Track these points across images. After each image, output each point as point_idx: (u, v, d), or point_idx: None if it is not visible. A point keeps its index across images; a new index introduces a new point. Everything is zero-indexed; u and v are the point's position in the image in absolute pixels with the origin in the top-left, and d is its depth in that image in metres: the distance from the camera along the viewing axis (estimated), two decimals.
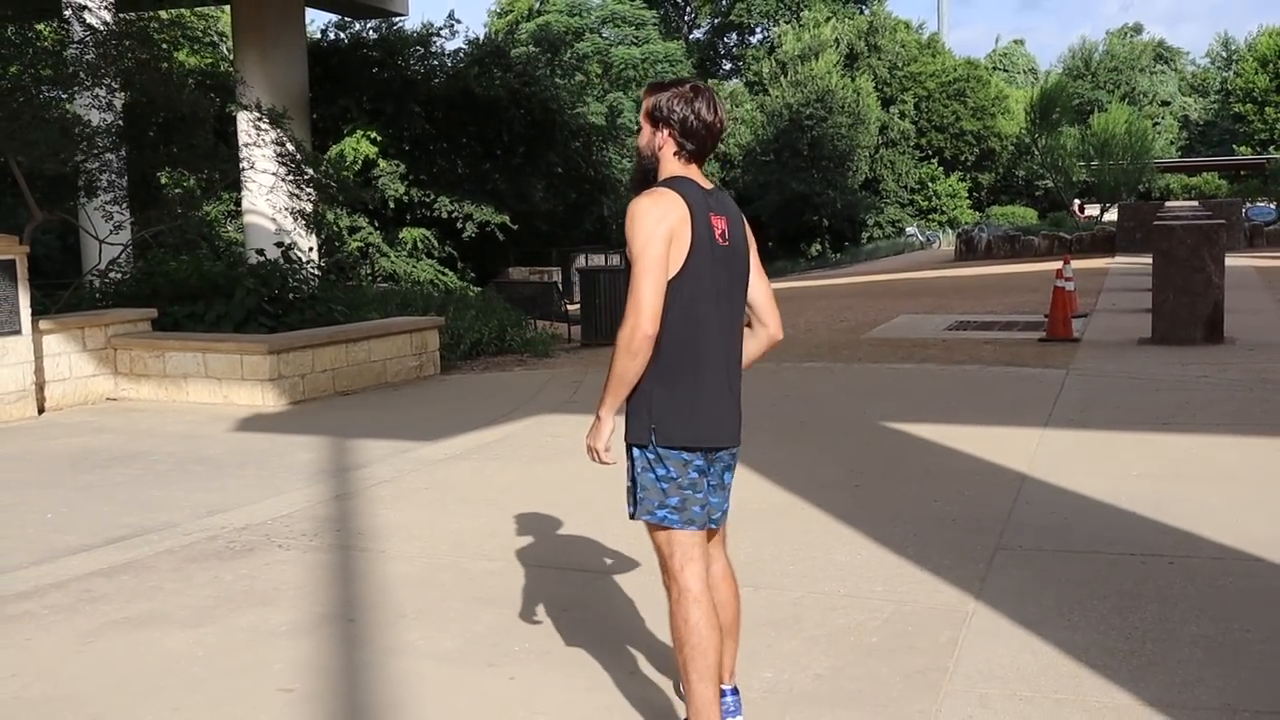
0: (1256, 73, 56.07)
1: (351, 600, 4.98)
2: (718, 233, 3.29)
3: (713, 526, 3.46)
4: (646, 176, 3.36)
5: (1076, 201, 45.79)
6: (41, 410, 9.99)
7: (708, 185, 3.35)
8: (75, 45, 13.26)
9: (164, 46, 14.34)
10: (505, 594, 4.97)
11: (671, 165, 3.34)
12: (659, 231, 3.17)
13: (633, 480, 3.35)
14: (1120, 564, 5.07)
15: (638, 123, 3.45)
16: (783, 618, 4.56)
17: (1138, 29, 78.72)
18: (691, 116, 3.29)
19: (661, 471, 3.29)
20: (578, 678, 4.06)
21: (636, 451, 3.33)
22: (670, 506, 3.29)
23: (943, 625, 4.43)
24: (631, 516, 3.37)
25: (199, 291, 12.01)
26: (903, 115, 52.49)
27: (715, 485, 3.43)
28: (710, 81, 55.22)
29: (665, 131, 3.32)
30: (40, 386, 10.01)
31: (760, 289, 3.49)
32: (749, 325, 3.49)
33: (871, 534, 5.64)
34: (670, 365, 3.24)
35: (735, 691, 3.56)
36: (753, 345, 3.50)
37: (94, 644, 4.54)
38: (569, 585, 5.08)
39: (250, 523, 6.27)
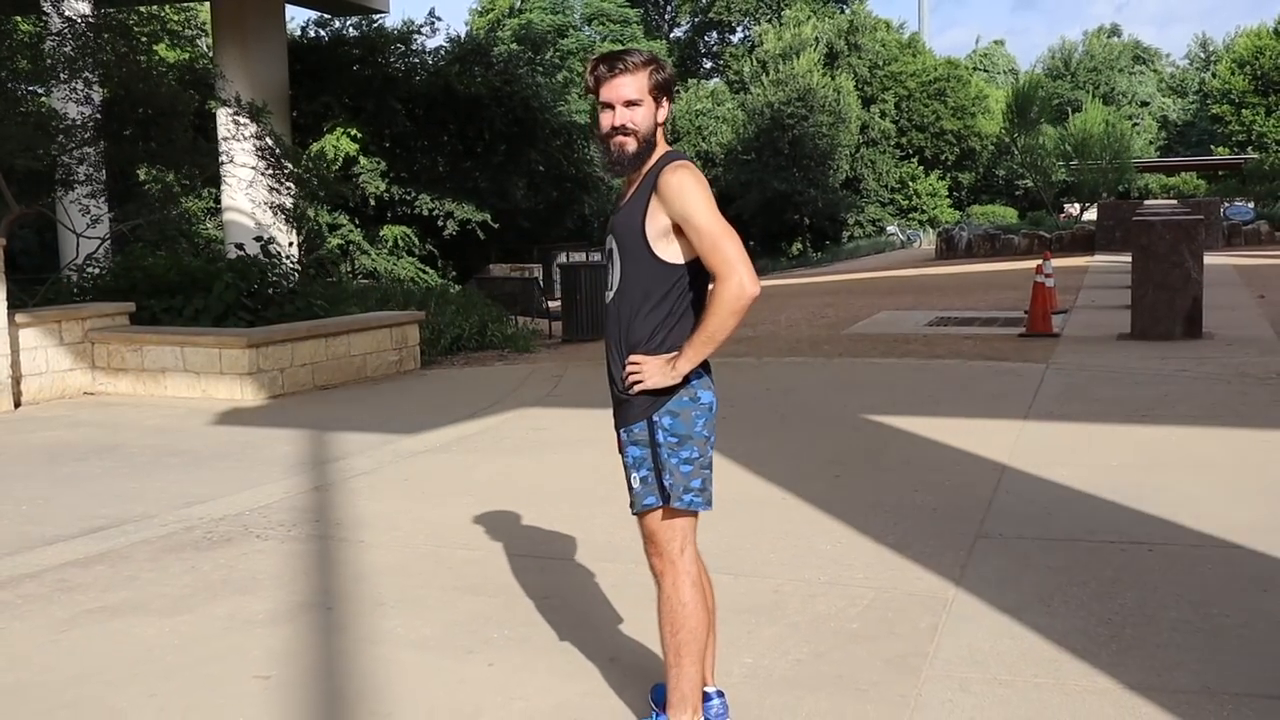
0: (1234, 74, 56.28)
1: (330, 589, 4.95)
2: None
3: None
4: (643, 154, 3.18)
5: (1075, 209, 45.56)
6: (18, 404, 9.90)
7: None
8: (53, 38, 13.17)
9: (143, 40, 14.27)
10: (484, 582, 4.95)
11: (661, 137, 3.23)
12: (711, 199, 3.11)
13: (656, 470, 3.18)
14: (1100, 551, 5.08)
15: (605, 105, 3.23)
16: (763, 604, 4.55)
17: (1115, 30, 79.16)
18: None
19: (686, 454, 3.17)
20: (557, 664, 4.03)
21: (661, 435, 3.17)
22: (694, 489, 3.20)
23: (923, 612, 4.43)
24: (666, 503, 3.19)
25: (177, 286, 11.92)
26: (883, 114, 52.57)
27: None
28: (691, 80, 55.30)
29: (667, 104, 3.22)
30: (16, 380, 9.92)
31: None
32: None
33: (852, 523, 5.64)
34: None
35: (721, 694, 3.43)
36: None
37: (69, 633, 4.49)
38: (548, 574, 5.05)
39: (228, 513, 6.23)
